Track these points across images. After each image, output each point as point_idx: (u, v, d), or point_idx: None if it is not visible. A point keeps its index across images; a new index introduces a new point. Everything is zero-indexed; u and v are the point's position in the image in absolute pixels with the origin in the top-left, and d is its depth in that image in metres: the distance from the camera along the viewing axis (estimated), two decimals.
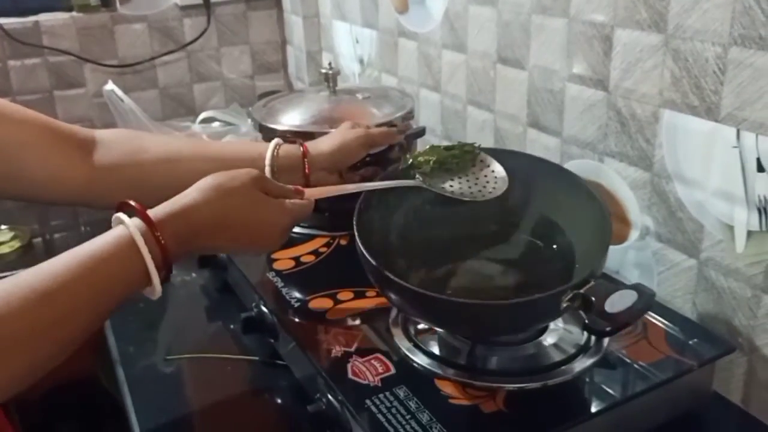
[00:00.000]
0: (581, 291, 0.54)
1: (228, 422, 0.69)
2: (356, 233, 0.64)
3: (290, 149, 0.78)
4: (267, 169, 0.76)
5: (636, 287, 0.55)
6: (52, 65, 1.41)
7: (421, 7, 1.07)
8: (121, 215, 0.55)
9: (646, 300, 0.54)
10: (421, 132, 0.92)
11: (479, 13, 0.94)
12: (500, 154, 0.76)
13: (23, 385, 0.48)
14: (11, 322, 0.46)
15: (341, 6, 1.35)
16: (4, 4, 1.40)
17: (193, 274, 0.98)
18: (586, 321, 0.54)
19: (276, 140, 0.79)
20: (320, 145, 0.80)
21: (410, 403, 0.59)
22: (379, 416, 0.57)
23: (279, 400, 0.72)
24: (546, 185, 0.72)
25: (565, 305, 0.54)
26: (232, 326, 0.85)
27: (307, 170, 0.78)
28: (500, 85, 0.94)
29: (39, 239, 1.12)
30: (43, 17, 1.40)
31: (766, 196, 0.62)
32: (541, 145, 0.88)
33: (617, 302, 0.53)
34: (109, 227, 0.56)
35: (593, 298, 0.53)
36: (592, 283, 0.55)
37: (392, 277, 0.59)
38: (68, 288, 0.49)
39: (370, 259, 0.61)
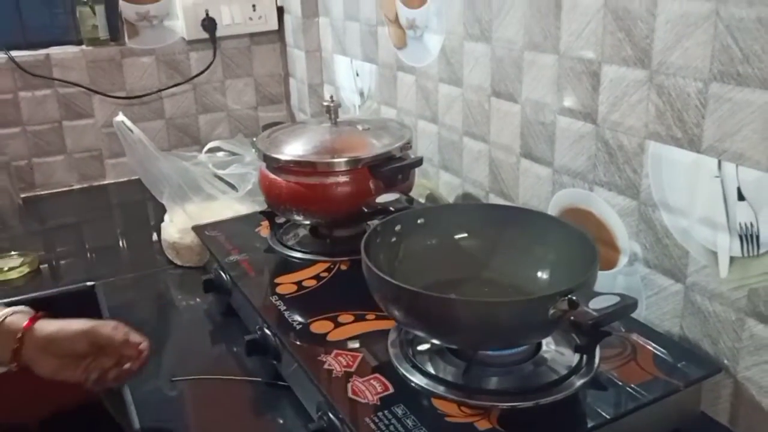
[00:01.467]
0: (568, 296, 0.57)
1: None
2: (363, 253, 0.67)
3: (17, 319, 0.73)
4: None
5: (619, 294, 0.58)
6: (61, 96, 1.46)
7: (419, 43, 1.12)
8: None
9: (628, 303, 0.58)
10: (418, 162, 0.96)
11: (474, 49, 0.99)
12: (489, 209, 0.80)
13: None
14: None
15: (342, 41, 1.40)
16: (16, 38, 1.45)
17: (198, 299, 1.01)
18: (572, 318, 0.57)
19: (13, 308, 0.74)
20: (49, 326, 0.73)
21: (408, 420, 0.61)
22: None
23: (281, 420, 0.74)
24: (532, 228, 0.76)
25: (553, 311, 0.57)
26: (235, 349, 0.87)
27: (17, 344, 0.72)
28: (494, 117, 0.98)
29: (46, 265, 1.15)
30: (54, 50, 1.45)
31: (746, 224, 0.65)
32: (533, 175, 0.92)
33: (601, 303, 0.56)
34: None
35: (578, 300, 0.57)
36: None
37: (397, 282, 0.63)
38: None
39: (374, 269, 0.64)
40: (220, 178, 1.21)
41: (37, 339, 0.72)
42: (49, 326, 0.73)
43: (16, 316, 0.73)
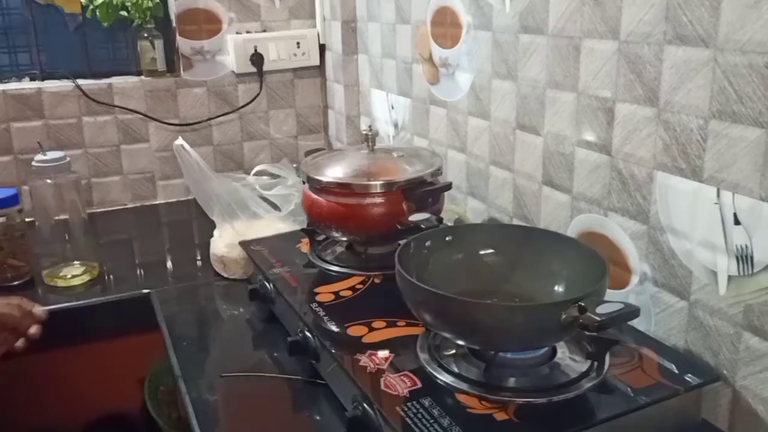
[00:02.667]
0: (578, 303, 0.65)
1: (274, 430, 0.80)
2: (397, 263, 0.76)
3: None
4: None
5: (624, 302, 0.66)
6: (120, 122, 1.59)
7: (451, 80, 1.22)
8: None
9: (631, 309, 0.66)
10: (447, 186, 1.05)
11: (501, 86, 1.08)
12: (511, 228, 0.91)
13: None
14: None
15: (379, 77, 1.51)
16: (82, 68, 1.60)
17: (241, 309, 1.11)
18: (581, 321, 0.64)
19: None
20: None
21: (434, 410, 0.69)
22: (408, 420, 0.68)
23: (318, 414, 0.83)
24: (550, 247, 0.85)
25: (564, 316, 0.65)
26: (275, 353, 0.96)
27: None
28: (519, 148, 1.07)
29: (105, 276, 1.26)
30: (116, 80, 1.59)
31: (742, 246, 0.72)
32: (554, 201, 1.00)
33: (606, 309, 0.64)
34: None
35: (586, 305, 0.65)
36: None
37: (427, 287, 0.71)
38: None
39: (406, 276, 0.73)
40: (265, 199, 1.32)
41: None
42: None
43: None
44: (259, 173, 1.38)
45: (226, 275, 1.21)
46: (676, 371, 0.75)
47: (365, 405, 0.73)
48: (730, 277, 0.74)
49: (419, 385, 0.74)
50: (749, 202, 0.71)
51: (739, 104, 0.70)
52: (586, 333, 0.68)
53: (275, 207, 1.32)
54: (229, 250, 1.19)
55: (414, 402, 0.71)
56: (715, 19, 0.71)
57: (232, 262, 1.19)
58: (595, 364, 0.75)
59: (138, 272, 1.30)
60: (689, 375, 0.74)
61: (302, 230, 1.14)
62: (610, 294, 0.75)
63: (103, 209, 1.61)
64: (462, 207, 1.25)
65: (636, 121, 0.83)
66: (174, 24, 1.61)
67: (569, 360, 0.77)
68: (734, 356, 0.75)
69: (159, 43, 1.60)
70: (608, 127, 0.88)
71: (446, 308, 0.72)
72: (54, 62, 1.60)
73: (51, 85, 1.54)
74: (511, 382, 0.74)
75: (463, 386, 0.73)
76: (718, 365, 0.77)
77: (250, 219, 1.24)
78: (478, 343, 0.75)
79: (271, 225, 1.24)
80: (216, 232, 1.24)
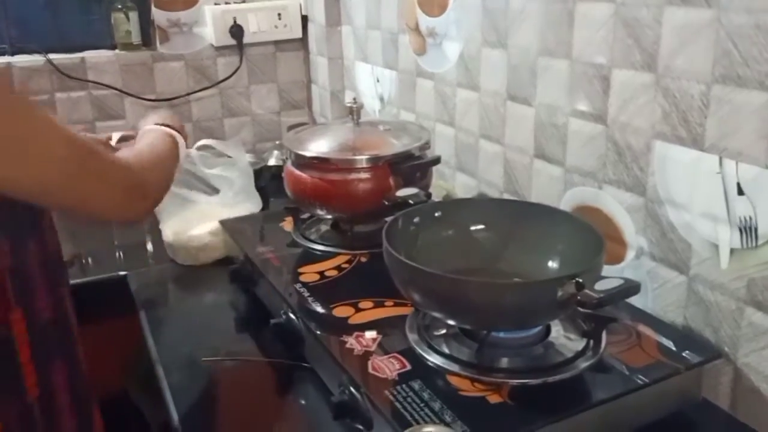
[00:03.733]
0: (575, 279, 0.62)
1: (257, 415, 0.76)
2: (385, 240, 0.72)
3: None
4: None
5: (623, 278, 0.63)
6: (95, 98, 1.53)
7: (438, 50, 1.17)
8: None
9: (631, 285, 0.62)
10: (436, 160, 1.01)
11: (491, 55, 1.04)
12: (502, 203, 0.87)
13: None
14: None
15: (364, 49, 1.45)
16: (54, 42, 1.53)
17: (223, 291, 1.06)
18: (579, 298, 0.61)
19: None
20: None
21: (424, 394, 0.66)
22: (397, 404, 0.64)
23: (303, 398, 0.79)
24: (543, 221, 0.81)
25: (560, 293, 0.62)
26: (259, 336, 0.92)
27: None
28: (510, 120, 1.03)
29: (81, 257, 1.21)
30: (89, 54, 1.52)
31: (745, 217, 0.69)
32: (546, 175, 0.96)
33: (605, 285, 0.61)
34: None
35: (585, 282, 0.62)
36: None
37: (416, 265, 0.68)
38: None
39: (395, 253, 0.69)
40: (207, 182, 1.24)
41: None
42: None
43: None
44: (203, 147, 1.29)
45: (179, 262, 1.15)
46: (675, 349, 0.73)
47: (352, 389, 0.69)
48: (732, 250, 0.71)
49: (408, 367, 0.70)
50: (754, 171, 0.67)
51: (744, 67, 0.66)
52: (582, 310, 0.64)
53: (215, 189, 1.23)
54: (176, 236, 1.13)
55: (403, 385, 0.67)
56: None
57: (181, 249, 1.13)
58: (591, 342, 0.72)
59: (117, 254, 1.25)
60: (689, 352, 0.72)
61: (285, 208, 1.10)
62: (605, 270, 0.71)
63: None
64: (451, 183, 1.21)
65: (633, 89, 0.79)
66: None
67: (564, 339, 0.74)
68: (736, 332, 0.72)
69: (134, 15, 1.53)
70: (604, 96, 0.84)
71: (436, 287, 0.68)
72: (24, 36, 1.52)
73: (21, 60, 1.47)
74: (504, 362, 0.71)
75: (455, 368, 0.69)
76: (719, 342, 0.74)
77: (188, 206, 1.17)
78: (469, 323, 0.72)
79: (210, 212, 1.16)
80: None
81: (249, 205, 1.21)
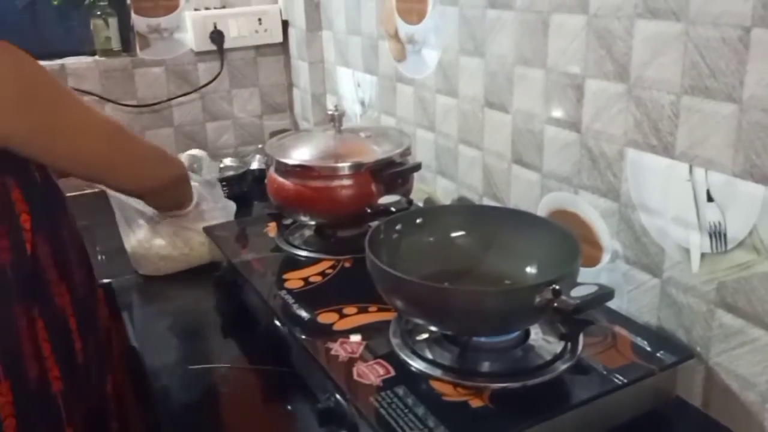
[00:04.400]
0: (552, 285, 0.64)
1: (243, 422, 0.78)
2: (368, 248, 0.74)
3: None
4: None
5: (598, 284, 0.65)
6: None
7: (417, 57, 1.19)
8: None
9: (605, 291, 0.65)
10: (417, 167, 1.02)
11: (468, 63, 1.06)
12: (482, 210, 0.90)
13: None
14: None
15: (345, 54, 1.47)
16: (32, 48, 1.51)
17: (208, 297, 1.07)
18: (556, 304, 0.63)
19: None
20: None
21: (408, 399, 0.68)
22: (381, 410, 0.66)
23: (290, 404, 0.80)
24: (521, 227, 0.83)
25: (538, 299, 0.64)
26: (244, 342, 0.93)
27: None
28: (488, 126, 1.05)
29: None
30: (69, 60, 1.52)
31: (715, 223, 0.72)
32: (524, 179, 0.98)
33: (581, 292, 0.63)
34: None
35: (561, 289, 0.64)
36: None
37: (398, 274, 0.70)
38: None
39: (377, 262, 0.71)
40: None
41: None
42: None
43: None
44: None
45: (141, 272, 1.14)
46: (650, 349, 0.75)
47: (337, 396, 0.71)
48: (703, 255, 0.74)
49: (392, 373, 0.72)
50: (722, 179, 0.70)
51: (712, 79, 0.69)
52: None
53: None
54: (139, 244, 1.12)
55: (388, 391, 0.69)
56: None
57: (141, 257, 1.13)
58: (569, 345, 0.75)
59: (99, 258, 1.26)
60: (663, 353, 0.74)
61: (268, 214, 1.11)
62: (581, 272, 0.74)
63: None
64: (432, 186, 1.23)
65: (606, 98, 0.82)
66: (129, 1, 1.54)
67: (543, 341, 0.76)
68: (708, 333, 0.75)
69: (113, 21, 1.53)
70: (578, 104, 0.86)
71: (418, 294, 0.70)
72: None
73: None
74: (486, 366, 0.73)
75: (437, 372, 0.71)
76: (692, 342, 0.77)
77: (151, 224, 1.12)
78: (451, 329, 0.74)
79: (177, 230, 1.12)
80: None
81: (217, 213, 1.16)
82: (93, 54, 1.55)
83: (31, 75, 0.71)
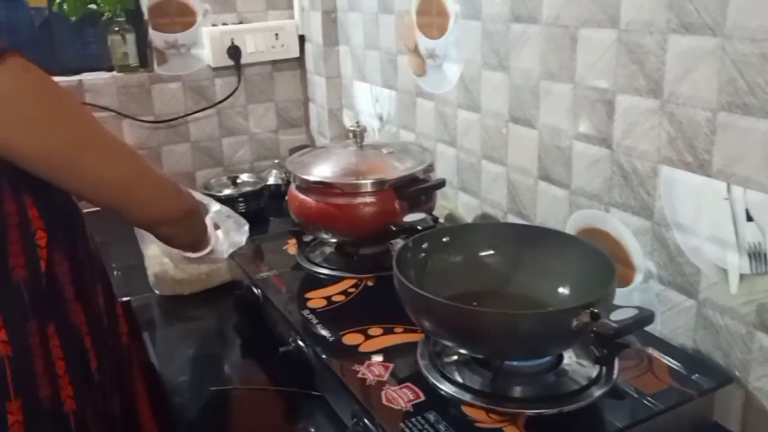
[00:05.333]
0: (590, 308, 0.62)
1: None
2: (395, 268, 0.72)
3: None
4: None
5: (637, 307, 0.63)
6: None
7: (438, 71, 1.18)
8: None
9: (646, 315, 0.63)
10: (441, 183, 1.01)
11: (492, 77, 1.05)
12: (511, 228, 0.89)
13: None
14: None
15: (362, 68, 1.46)
16: (50, 65, 1.50)
17: (229, 316, 1.06)
18: (594, 328, 0.61)
19: None
20: None
21: (440, 426, 0.66)
22: None
23: (316, 427, 0.78)
24: (553, 246, 0.81)
25: (575, 323, 0.62)
26: (266, 363, 0.91)
27: None
28: (512, 141, 1.03)
29: None
30: (86, 77, 1.51)
31: (754, 243, 0.70)
32: (551, 196, 0.97)
33: (620, 315, 0.61)
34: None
35: (600, 312, 0.62)
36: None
37: (428, 294, 0.68)
38: None
39: (405, 282, 0.69)
40: None
41: None
42: None
43: None
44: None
45: (158, 292, 1.12)
46: (686, 373, 0.73)
47: (366, 421, 0.69)
48: (742, 276, 0.71)
49: (422, 398, 0.70)
50: (761, 198, 0.68)
51: (750, 95, 0.67)
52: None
53: None
54: (153, 265, 1.10)
55: (418, 417, 0.67)
56: (723, 5, 0.68)
57: (158, 279, 1.10)
58: (604, 369, 0.72)
59: (115, 274, 1.24)
60: (700, 377, 0.72)
61: (289, 231, 1.09)
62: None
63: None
64: (453, 203, 1.21)
65: (638, 114, 0.80)
66: (146, 17, 1.53)
67: (576, 365, 0.74)
68: (747, 356, 0.72)
69: (131, 37, 1.53)
70: (608, 120, 0.85)
71: (450, 316, 0.68)
72: None
73: None
74: (518, 391, 0.71)
75: (468, 397, 0.69)
76: (730, 366, 0.74)
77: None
78: (483, 353, 0.72)
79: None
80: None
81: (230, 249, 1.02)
82: (110, 70, 1.55)
83: (53, 93, 0.70)
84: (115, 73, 1.54)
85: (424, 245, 0.82)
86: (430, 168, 1.03)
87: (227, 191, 1.42)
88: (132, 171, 0.76)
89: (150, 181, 0.79)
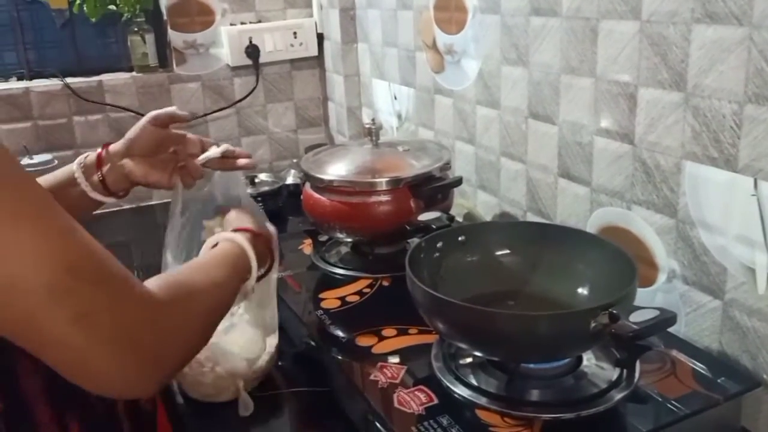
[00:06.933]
0: (609, 309, 0.59)
1: None
2: (408, 268, 0.70)
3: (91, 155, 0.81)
4: (78, 173, 0.79)
5: (658, 308, 0.60)
6: (113, 121, 1.53)
7: (457, 67, 1.16)
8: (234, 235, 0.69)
9: (667, 316, 0.60)
10: (458, 182, 0.99)
11: (511, 72, 1.02)
12: (528, 226, 0.86)
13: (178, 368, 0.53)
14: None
15: (381, 66, 1.44)
16: (71, 65, 1.54)
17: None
18: (613, 330, 0.59)
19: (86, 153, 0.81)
20: (120, 141, 0.82)
21: (453, 430, 0.64)
22: None
23: (328, 429, 0.77)
24: (572, 245, 0.79)
25: (594, 324, 0.59)
26: (280, 362, 0.90)
27: (97, 163, 0.80)
28: (531, 138, 1.01)
29: None
30: (106, 77, 1.52)
31: None
32: (571, 194, 0.94)
33: (641, 317, 0.58)
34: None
35: (619, 313, 0.59)
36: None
37: (442, 296, 0.66)
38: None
39: (419, 283, 0.67)
40: None
41: (114, 152, 0.80)
42: (119, 141, 0.82)
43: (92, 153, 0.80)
44: None
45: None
46: (712, 377, 0.70)
47: (377, 424, 0.67)
48: None
49: (435, 401, 0.68)
50: None
51: None
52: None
53: None
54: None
55: (431, 421, 0.65)
56: None
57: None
58: (625, 371, 0.70)
59: (135, 274, 1.24)
60: (726, 380, 0.69)
61: (305, 231, 1.08)
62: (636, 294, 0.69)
63: (97, 211, 1.55)
64: (472, 201, 1.19)
65: (661, 107, 0.77)
66: (165, 17, 1.54)
67: (596, 368, 0.71)
68: None
69: (150, 38, 1.54)
70: (630, 114, 0.82)
71: (464, 318, 0.66)
72: (42, 61, 1.53)
73: (39, 84, 1.48)
74: (535, 395, 0.68)
75: (483, 401, 0.67)
76: (757, 369, 0.71)
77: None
78: (498, 355, 0.70)
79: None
80: None
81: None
82: (130, 70, 1.56)
83: None
84: (134, 73, 1.55)
85: (439, 244, 0.80)
86: (446, 166, 1.01)
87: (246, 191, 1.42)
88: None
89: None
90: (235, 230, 0.72)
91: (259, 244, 0.72)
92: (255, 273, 0.69)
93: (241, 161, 0.86)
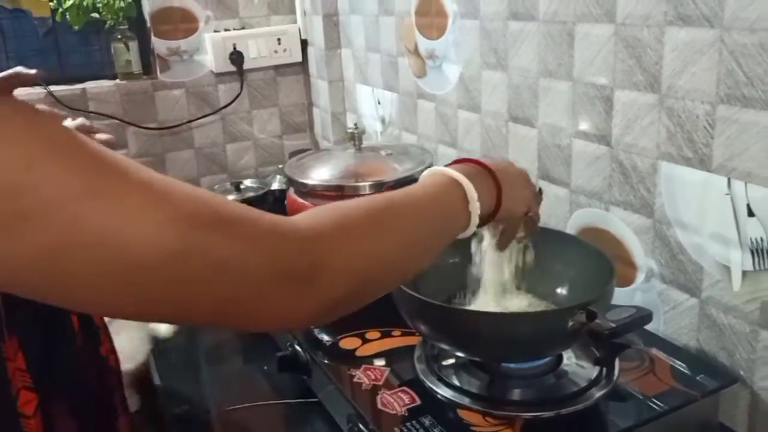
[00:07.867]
0: (586, 308, 0.60)
1: None
2: None
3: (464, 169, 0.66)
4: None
5: (635, 306, 0.62)
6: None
7: (438, 72, 1.17)
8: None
9: (643, 314, 0.61)
10: None
11: (491, 77, 1.03)
12: None
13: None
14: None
15: (364, 71, 1.45)
16: (54, 74, 1.53)
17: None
18: (590, 328, 0.59)
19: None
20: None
21: (435, 430, 0.64)
22: None
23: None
24: (552, 246, 0.78)
25: (571, 323, 0.60)
26: (265, 368, 0.90)
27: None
28: (512, 141, 1.02)
29: None
30: (90, 84, 1.52)
31: (757, 239, 0.68)
32: (552, 195, 0.95)
33: (617, 315, 0.59)
34: None
35: (596, 311, 0.60)
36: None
37: (422, 297, 0.66)
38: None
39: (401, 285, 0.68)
40: None
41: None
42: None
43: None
44: None
45: None
46: (690, 374, 0.71)
47: (360, 425, 0.68)
48: (744, 273, 0.69)
49: (418, 402, 0.69)
50: (763, 192, 0.66)
51: (750, 87, 0.65)
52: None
53: None
54: None
55: (413, 421, 0.66)
56: None
57: None
58: (604, 370, 0.71)
59: None
60: (704, 377, 0.70)
61: None
62: (615, 293, 0.70)
63: None
64: None
65: (637, 109, 0.78)
66: (148, 24, 1.54)
67: (576, 367, 0.72)
68: (752, 356, 0.70)
69: (134, 45, 1.54)
70: (607, 117, 0.83)
71: (443, 319, 0.67)
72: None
73: (22, 92, 1.47)
74: (516, 394, 0.69)
75: (465, 401, 0.68)
76: (735, 365, 0.72)
77: None
78: (479, 355, 0.70)
79: None
80: None
81: None
82: (114, 77, 1.56)
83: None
84: (118, 80, 1.54)
85: None
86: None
87: (231, 197, 1.42)
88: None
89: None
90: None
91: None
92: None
93: (101, 136, 0.79)
